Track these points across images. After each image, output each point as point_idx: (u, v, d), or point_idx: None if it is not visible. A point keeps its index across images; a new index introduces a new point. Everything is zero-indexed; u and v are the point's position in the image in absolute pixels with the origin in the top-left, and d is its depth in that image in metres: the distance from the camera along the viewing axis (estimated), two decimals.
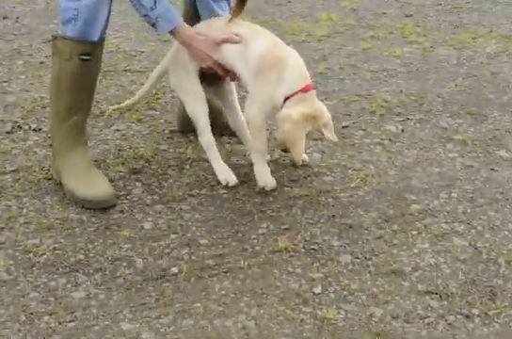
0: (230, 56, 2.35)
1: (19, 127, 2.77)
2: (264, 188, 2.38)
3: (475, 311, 1.86)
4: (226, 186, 2.39)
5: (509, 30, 4.12)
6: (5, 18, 4.09)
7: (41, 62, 3.43)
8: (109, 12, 2.23)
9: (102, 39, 2.26)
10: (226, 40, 2.33)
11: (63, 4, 2.18)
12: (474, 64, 3.58)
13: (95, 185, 2.27)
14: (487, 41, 3.92)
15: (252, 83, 2.34)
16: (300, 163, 2.48)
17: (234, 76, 2.42)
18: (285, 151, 2.38)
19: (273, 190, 2.38)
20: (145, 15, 2.23)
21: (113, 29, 3.91)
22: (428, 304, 1.88)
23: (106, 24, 2.25)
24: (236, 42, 2.33)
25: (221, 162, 2.46)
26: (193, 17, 2.54)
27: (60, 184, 2.35)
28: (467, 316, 1.84)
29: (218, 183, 2.41)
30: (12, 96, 3.05)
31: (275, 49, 2.33)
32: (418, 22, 4.26)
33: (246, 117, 2.42)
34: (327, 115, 2.35)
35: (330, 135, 2.35)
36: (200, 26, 2.41)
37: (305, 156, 2.56)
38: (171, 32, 2.28)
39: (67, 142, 2.31)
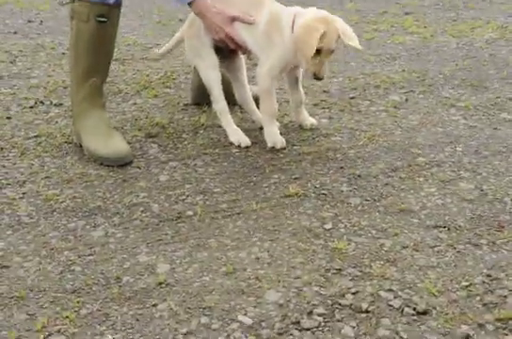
0: (240, 31, 2.34)
1: (41, 103, 2.77)
2: (273, 148, 2.34)
3: (483, 241, 1.80)
4: (238, 147, 2.36)
5: (505, 22, 4.09)
6: (29, 21, 4.14)
7: (63, 53, 3.44)
8: None
9: (118, 3, 2.26)
10: (238, 18, 2.32)
11: None
12: (473, 48, 3.54)
13: (113, 144, 2.25)
14: (484, 31, 3.89)
15: (261, 52, 2.33)
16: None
17: (245, 50, 2.41)
18: (317, 77, 2.21)
19: (283, 148, 2.34)
20: None
21: (131, 28, 3.95)
22: (437, 236, 1.82)
23: None
24: (249, 22, 2.32)
25: (234, 126, 2.43)
26: None
27: (80, 146, 2.33)
28: (475, 245, 1.78)
29: (231, 144, 2.38)
30: (35, 79, 3.06)
31: (273, 13, 2.30)
32: (418, 18, 4.25)
33: (257, 80, 2.38)
34: (344, 25, 2.20)
35: (353, 43, 2.19)
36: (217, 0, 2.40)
37: (313, 120, 2.53)
38: (190, 3, 2.28)
39: (86, 104, 2.30)
